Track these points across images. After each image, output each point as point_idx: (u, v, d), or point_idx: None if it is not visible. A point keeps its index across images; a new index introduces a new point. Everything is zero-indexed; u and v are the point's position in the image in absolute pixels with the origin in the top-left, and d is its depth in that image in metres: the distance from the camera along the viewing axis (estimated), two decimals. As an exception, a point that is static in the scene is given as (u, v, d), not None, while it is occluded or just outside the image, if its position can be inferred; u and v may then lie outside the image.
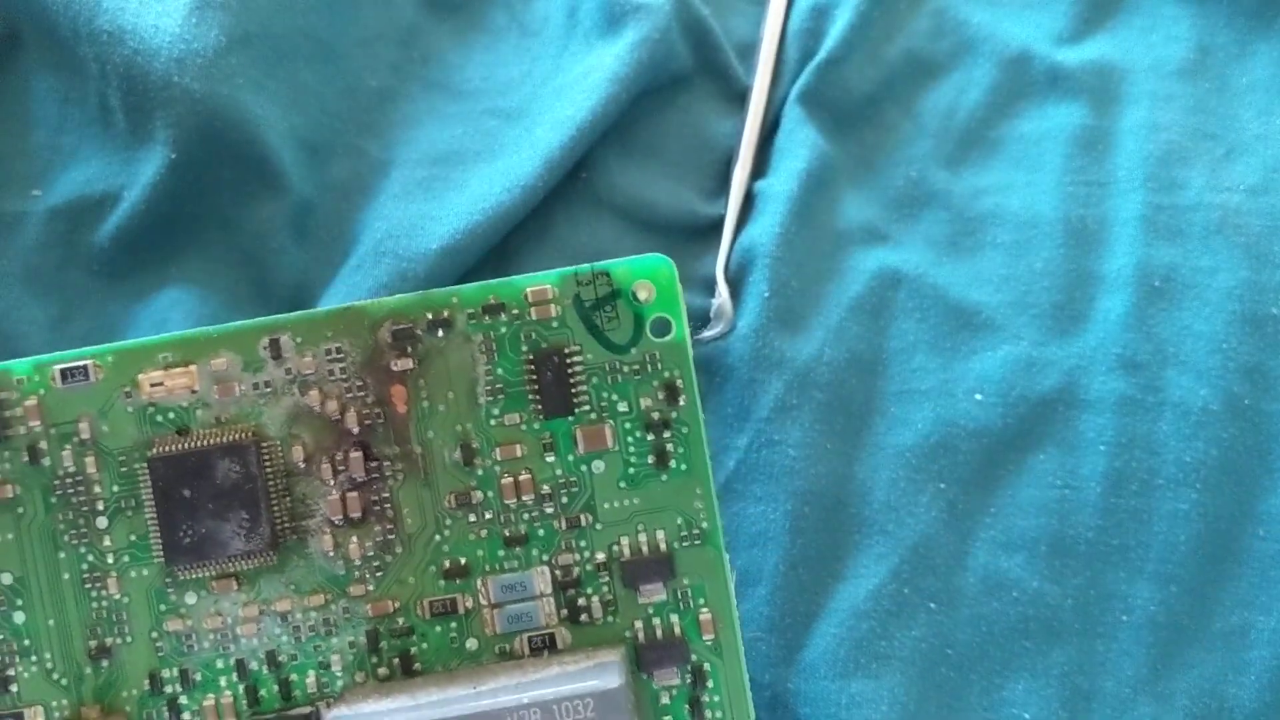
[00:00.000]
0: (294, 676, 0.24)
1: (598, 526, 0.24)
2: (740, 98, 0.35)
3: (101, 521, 0.24)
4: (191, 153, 0.30)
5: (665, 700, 0.23)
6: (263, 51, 0.31)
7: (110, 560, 0.24)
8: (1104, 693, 0.28)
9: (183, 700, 0.24)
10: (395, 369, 0.24)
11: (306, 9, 0.33)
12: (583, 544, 0.24)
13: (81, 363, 0.24)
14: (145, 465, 0.23)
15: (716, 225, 0.33)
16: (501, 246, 0.32)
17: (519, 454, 0.24)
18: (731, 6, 0.36)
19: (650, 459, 0.24)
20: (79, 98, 0.31)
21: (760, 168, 0.34)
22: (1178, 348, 0.31)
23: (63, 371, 0.23)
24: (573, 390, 0.24)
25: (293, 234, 0.31)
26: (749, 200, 0.33)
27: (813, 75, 0.34)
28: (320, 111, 0.32)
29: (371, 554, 0.24)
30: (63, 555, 0.24)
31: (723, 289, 0.32)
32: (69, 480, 0.24)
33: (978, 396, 0.31)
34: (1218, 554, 0.29)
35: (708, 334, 0.31)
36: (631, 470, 0.24)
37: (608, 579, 0.24)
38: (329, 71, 0.33)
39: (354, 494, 0.24)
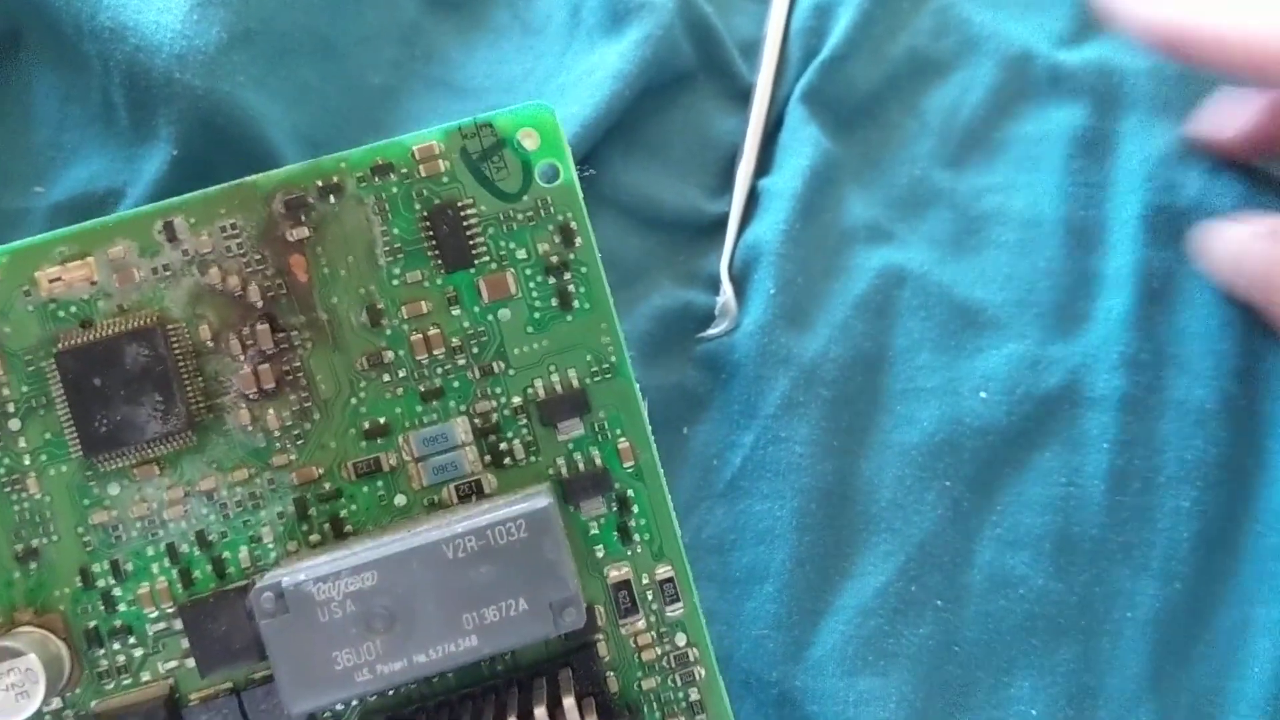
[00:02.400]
0: (227, 554, 0.24)
1: (510, 372, 0.24)
2: (744, 95, 0.35)
3: (14, 424, 0.24)
4: (193, 149, 0.29)
5: (594, 530, 0.24)
6: (264, 48, 0.31)
7: (27, 461, 0.24)
8: (1109, 689, 0.29)
9: (116, 592, 0.24)
10: (292, 239, 0.24)
11: (309, 6, 0.33)
12: (498, 390, 0.24)
13: (-26, 267, 0.23)
14: (53, 361, 0.23)
15: (721, 222, 0.33)
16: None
17: (425, 310, 0.24)
18: (734, 5, 0.36)
19: (554, 301, 0.24)
20: (81, 95, 0.31)
21: (764, 166, 0.34)
22: (1176, 348, 0.31)
23: (-44, 278, 0.23)
24: (470, 242, 0.24)
25: None
26: (753, 198, 0.33)
27: (816, 74, 0.34)
28: (322, 109, 0.32)
29: (290, 423, 0.24)
30: (-23, 462, 0.24)
31: (727, 286, 0.32)
32: (-25, 386, 0.23)
33: (982, 394, 0.31)
34: (1218, 550, 0.30)
35: (713, 331, 0.31)
36: (537, 314, 0.24)
37: (526, 421, 0.24)
38: (331, 68, 0.33)
39: (265, 366, 0.24)
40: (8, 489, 0.24)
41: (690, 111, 0.35)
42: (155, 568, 0.24)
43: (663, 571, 0.24)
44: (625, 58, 0.33)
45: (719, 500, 0.30)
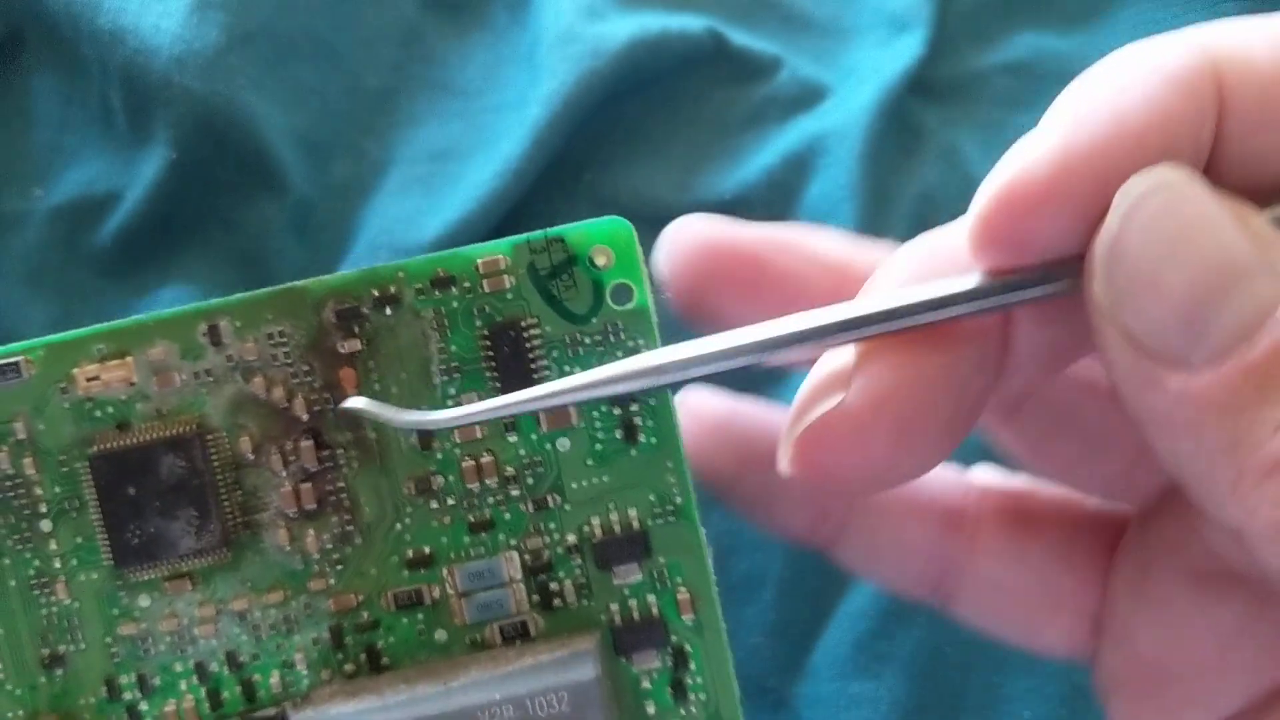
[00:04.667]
0: (257, 677, 0.23)
1: (566, 507, 0.22)
2: (747, 79, 0.35)
3: (45, 525, 0.22)
4: (192, 152, 0.30)
5: (646, 685, 0.22)
6: (263, 51, 0.31)
7: (57, 565, 0.22)
8: None
9: (142, 706, 0.23)
10: (342, 351, 0.22)
11: (307, 8, 0.32)
12: (552, 526, 0.22)
13: (13, 359, 0.22)
14: (86, 464, 0.22)
15: (727, 212, 0.32)
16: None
17: (479, 435, 0.22)
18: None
19: (618, 433, 0.22)
20: (80, 97, 0.31)
21: None
22: None
23: (-8, 369, 0.22)
24: (532, 365, 0.22)
25: (293, 233, 0.31)
26: None
27: None
28: (321, 111, 0.32)
29: (330, 546, 0.22)
30: (6, 562, 0.22)
31: None
32: (7, 483, 0.22)
33: None
34: None
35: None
36: (599, 446, 0.22)
37: (580, 561, 0.22)
38: (329, 71, 0.33)
39: (307, 485, 0.22)
40: (36, 592, 0.23)
41: (694, 104, 0.34)
42: (183, 684, 0.23)
43: (718, 741, 0.22)
44: (602, 36, 0.33)
45: (716, 507, 0.29)
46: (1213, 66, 0.17)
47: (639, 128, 0.34)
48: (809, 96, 0.36)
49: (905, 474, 0.20)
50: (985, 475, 0.25)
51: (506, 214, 0.32)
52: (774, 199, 0.34)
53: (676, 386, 0.23)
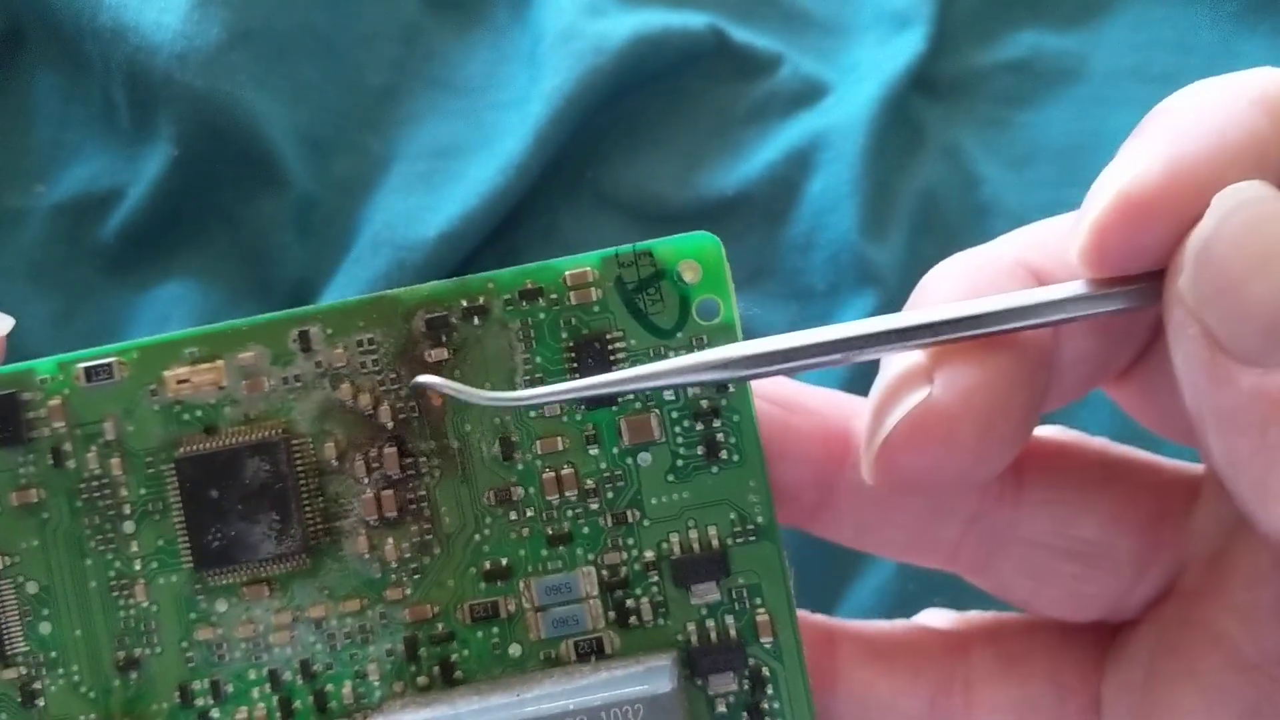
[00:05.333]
0: (330, 687, 0.22)
1: (645, 523, 0.22)
2: (747, 74, 0.35)
3: (128, 526, 0.23)
4: (194, 149, 0.30)
5: (721, 709, 0.22)
6: (265, 47, 0.31)
7: (138, 567, 0.23)
8: None
9: (214, 714, 0.22)
10: (430, 359, 0.22)
11: (308, 5, 0.33)
12: (630, 542, 0.22)
13: (106, 360, 0.23)
14: (172, 466, 0.22)
15: (727, 211, 0.32)
16: (507, 248, 0.32)
17: (561, 447, 0.22)
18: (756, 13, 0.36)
19: (700, 450, 0.22)
20: (82, 94, 0.32)
21: None
22: None
23: (87, 370, 0.23)
24: (617, 378, 0.22)
25: (295, 229, 0.31)
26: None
27: None
28: (322, 108, 0.32)
29: (408, 555, 0.22)
30: (89, 562, 0.23)
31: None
32: (94, 483, 0.23)
33: None
34: None
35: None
36: (680, 462, 0.22)
37: (657, 579, 0.22)
38: (331, 68, 0.33)
39: (389, 492, 0.22)
40: (116, 594, 0.23)
41: (695, 100, 0.35)
42: (255, 693, 0.22)
43: (796, 769, 0.22)
44: (604, 34, 0.33)
45: None
46: None
47: (641, 124, 0.34)
48: (810, 93, 0.36)
49: (985, 472, 0.20)
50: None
51: (509, 211, 0.32)
52: (776, 195, 0.34)
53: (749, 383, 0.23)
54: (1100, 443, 0.24)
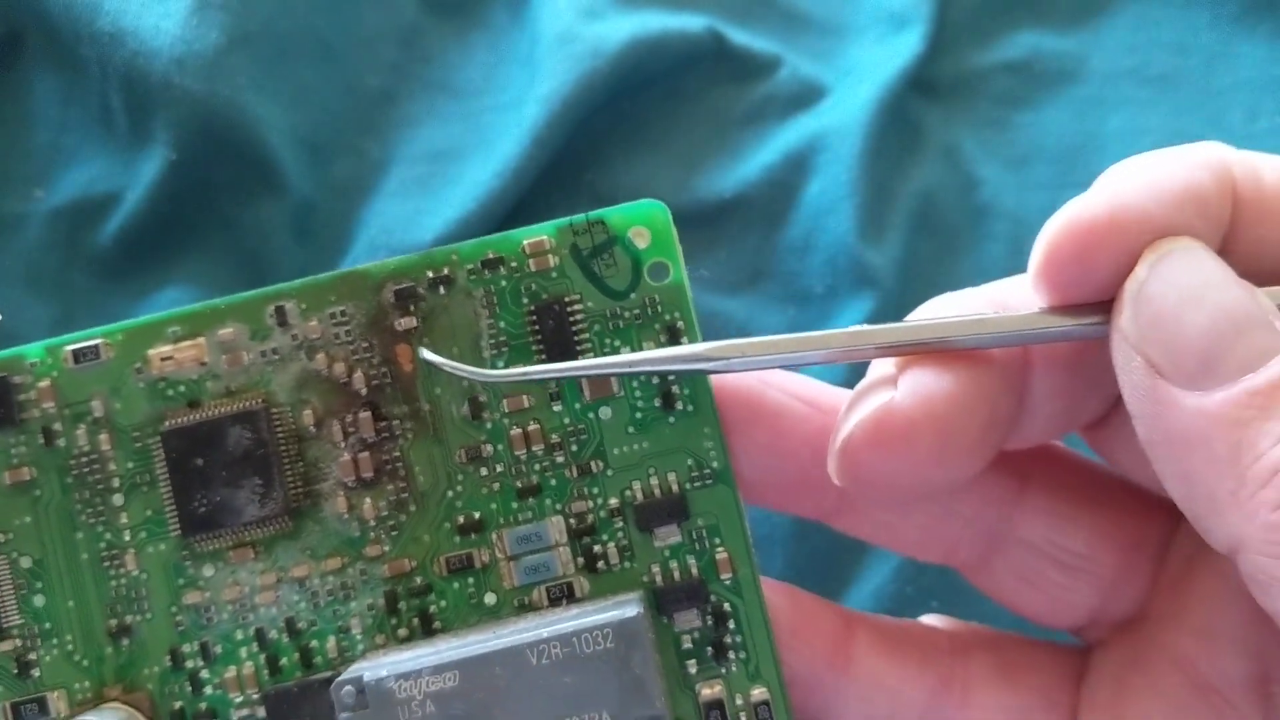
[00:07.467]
0: (314, 643, 0.24)
1: (609, 472, 0.24)
2: (746, 77, 0.35)
3: (117, 499, 0.24)
4: (192, 153, 0.30)
5: (688, 644, 0.23)
6: (263, 51, 0.31)
7: (127, 537, 0.24)
8: None
9: (204, 674, 0.24)
10: (400, 328, 0.24)
11: (307, 9, 0.33)
12: (595, 491, 0.24)
13: (93, 342, 0.24)
14: (158, 439, 0.23)
15: (724, 213, 0.33)
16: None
17: (526, 405, 0.24)
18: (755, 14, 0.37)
19: (657, 402, 0.24)
20: (80, 98, 0.31)
21: None
22: None
23: (75, 352, 0.24)
24: (575, 339, 0.24)
25: (293, 233, 0.31)
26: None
27: None
28: (321, 111, 0.33)
29: (386, 514, 0.24)
30: (80, 535, 0.24)
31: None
32: (84, 459, 0.24)
33: None
34: None
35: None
36: (639, 414, 0.24)
37: (622, 524, 0.24)
38: (330, 71, 0.33)
39: (365, 454, 0.24)
40: (107, 564, 0.24)
41: (693, 103, 0.35)
42: (243, 652, 0.24)
43: (758, 694, 0.23)
44: (601, 36, 0.33)
45: None
46: (1227, 167, 0.21)
47: (639, 127, 0.34)
48: (809, 95, 0.36)
49: (945, 479, 0.22)
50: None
51: (506, 214, 0.32)
52: (773, 197, 0.34)
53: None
54: (1099, 465, 0.26)
